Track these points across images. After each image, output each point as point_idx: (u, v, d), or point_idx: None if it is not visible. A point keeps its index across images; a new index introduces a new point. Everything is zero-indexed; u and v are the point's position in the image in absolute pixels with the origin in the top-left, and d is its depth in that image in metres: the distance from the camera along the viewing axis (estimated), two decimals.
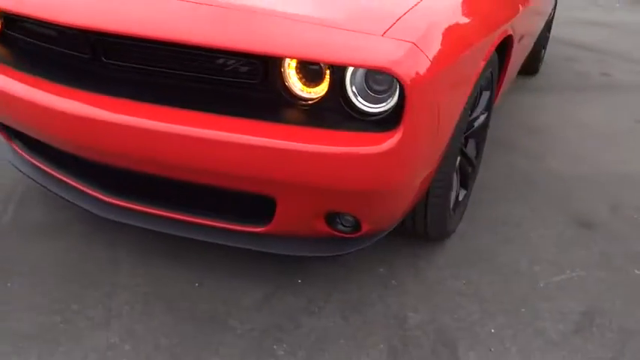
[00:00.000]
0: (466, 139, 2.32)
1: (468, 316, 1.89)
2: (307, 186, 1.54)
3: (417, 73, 1.45)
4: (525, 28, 2.68)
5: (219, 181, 1.63)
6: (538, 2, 3.10)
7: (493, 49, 1.92)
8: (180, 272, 1.98)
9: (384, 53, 1.43)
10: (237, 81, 1.59)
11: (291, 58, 1.47)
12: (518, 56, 2.63)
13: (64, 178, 1.96)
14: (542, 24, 3.72)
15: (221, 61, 1.57)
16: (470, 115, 2.12)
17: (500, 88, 2.49)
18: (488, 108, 2.36)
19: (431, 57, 1.49)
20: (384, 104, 1.53)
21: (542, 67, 4.64)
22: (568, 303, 1.98)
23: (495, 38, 1.95)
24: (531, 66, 4.21)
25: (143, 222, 1.85)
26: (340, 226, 1.75)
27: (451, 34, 1.61)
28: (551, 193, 2.68)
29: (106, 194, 1.88)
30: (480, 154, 2.48)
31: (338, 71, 1.52)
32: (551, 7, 4.20)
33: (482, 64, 1.85)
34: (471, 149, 2.42)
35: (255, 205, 1.71)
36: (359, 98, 1.55)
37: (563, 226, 2.43)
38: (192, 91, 1.62)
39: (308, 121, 1.55)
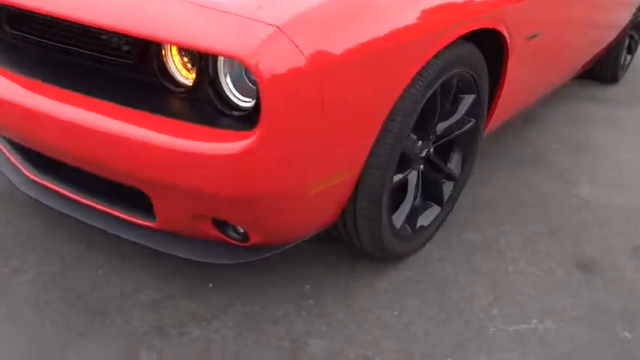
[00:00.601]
0: (441, 148, 2.01)
1: (379, 354, 1.62)
2: (165, 183, 1.36)
3: (281, 64, 1.21)
4: (552, 21, 2.26)
5: (94, 168, 1.50)
6: None
7: (446, 43, 1.60)
8: (93, 258, 1.88)
9: (238, 38, 1.21)
10: (115, 60, 1.45)
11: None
12: (532, 58, 2.23)
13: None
14: (614, 19, 3.17)
15: (98, 36, 1.44)
16: (429, 122, 1.81)
17: (499, 95, 2.12)
18: (476, 115, 2.02)
19: (306, 45, 1.24)
20: (252, 98, 1.31)
21: (626, 76, 4.01)
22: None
23: (453, 31, 1.62)
24: (607, 72, 3.64)
25: (53, 203, 1.77)
26: (232, 233, 1.56)
27: (349, 19, 1.34)
28: (565, 223, 2.27)
29: (29, 169, 1.82)
30: (467, 168, 2.14)
31: (206, 57, 1.32)
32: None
33: (423, 60, 1.55)
34: (455, 162, 2.09)
35: (140, 198, 1.56)
36: (233, 90, 1.34)
37: (557, 264, 2.04)
38: (73, 70, 1.50)
39: (176, 112, 1.37)
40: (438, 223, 2.08)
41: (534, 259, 2.05)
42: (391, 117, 1.56)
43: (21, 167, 1.84)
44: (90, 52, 1.47)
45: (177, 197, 1.42)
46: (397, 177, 1.75)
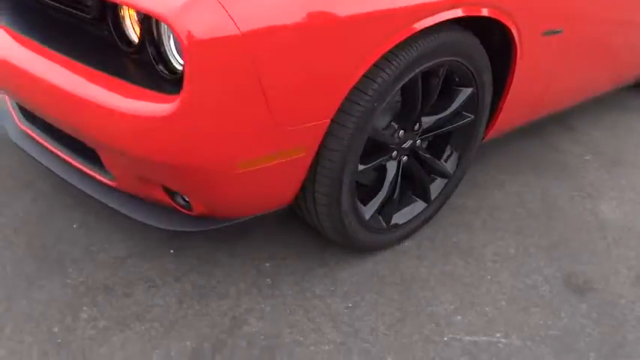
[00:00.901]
0: (435, 143, 1.91)
1: (315, 344, 1.56)
2: (100, 140, 1.37)
3: (207, 28, 1.18)
4: (578, 15, 2.07)
5: (50, 119, 1.53)
6: None
7: (422, 27, 1.50)
8: (73, 213, 1.93)
9: None
10: (77, 13, 1.46)
11: None
12: (549, 58, 2.05)
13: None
14: None
15: None
16: (411, 112, 1.72)
17: (506, 95, 1.97)
18: (474, 111, 1.90)
19: (237, 11, 1.20)
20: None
21: None
22: None
23: (432, 12, 1.51)
24: None
25: (37, 155, 1.83)
26: (179, 200, 1.55)
27: None
28: (569, 240, 2.09)
29: (20, 119, 1.90)
30: (462, 166, 2.01)
31: (150, 17, 1.31)
32: None
33: (391, 42, 1.46)
34: (449, 158, 1.98)
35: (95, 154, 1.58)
36: (175, 52, 1.32)
37: (544, 280, 1.88)
38: (33, 17, 1.54)
39: (121, 70, 1.36)
40: (422, 220, 1.98)
41: (520, 271, 1.91)
42: (352, 99, 1.49)
43: (15, 117, 1.91)
44: (54, 3, 1.49)
45: (116, 156, 1.42)
46: (368, 165, 1.68)
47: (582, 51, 2.23)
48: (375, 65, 1.49)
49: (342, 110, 1.49)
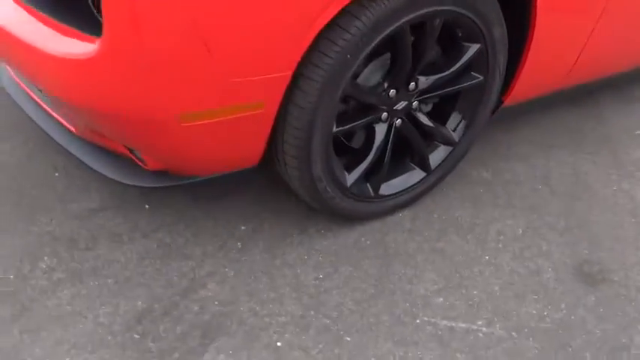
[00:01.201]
0: (440, 106, 1.72)
1: (271, 315, 1.45)
2: (35, 80, 1.30)
3: None
4: None
5: None
6: None
7: None
8: (56, 159, 1.89)
9: None
10: None
11: None
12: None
13: None
14: None
15: None
16: (402, 69, 1.53)
17: (527, 52, 1.72)
18: (484, 70, 1.68)
19: None
20: None
21: None
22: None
23: None
24: None
25: (21, 100, 1.79)
26: (137, 153, 1.47)
27: None
28: (592, 224, 1.85)
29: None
30: (470, 134, 1.80)
31: None
32: None
33: None
34: (454, 124, 1.79)
35: None
36: None
37: (551, 266, 1.67)
38: None
39: (58, 10, 1.27)
40: (420, 190, 1.80)
41: (524, 254, 1.70)
42: (321, 50, 1.33)
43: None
44: None
45: (57, 100, 1.35)
46: (346, 126, 1.52)
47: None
48: (347, 12, 1.31)
49: (309, 62, 1.34)
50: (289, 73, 1.32)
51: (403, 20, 1.41)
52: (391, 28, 1.40)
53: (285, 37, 1.26)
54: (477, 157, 2.04)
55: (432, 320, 1.47)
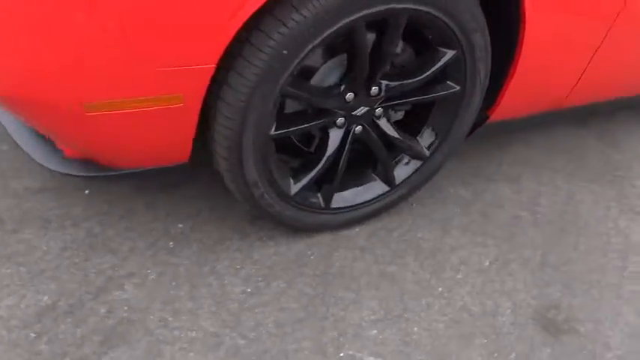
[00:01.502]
0: (412, 117, 1.56)
1: (182, 328, 1.33)
2: None
3: None
4: None
5: None
6: None
7: None
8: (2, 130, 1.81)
9: None
10: None
11: None
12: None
13: None
14: None
15: None
16: (359, 72, 1.37)
17: (516, 64, 1.53)
18: (461, 80, 1.50)
19: None
20: None
21: None
22: None
23: None
24: None
25: None
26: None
27: None
28: (573, 259, 1.65)
29: None
30: (442, 149, 1.63)
31: None
32: None
33: None
34: (426, 138, 1.61)
35: None
36: None
37: (511, 307, 1.49)
38: None
39: None
40: (378, 206, 1.64)
41: (484, 290, 1.52)
42: (254, 43, 1.18)
43: None
44: None
45: None
46: (288, 130, 1.38)
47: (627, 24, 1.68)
48: (285, 2, 1.16)
49: (239, 55, 1.20)
50: (212, 66, 1.17)
51: (357, 16, 1.24)
52: (338, 25, 1.23)
53: (204, 25, 1.11)
54: (458, 174, 1.86)
55: (358, 355, 1.32)
